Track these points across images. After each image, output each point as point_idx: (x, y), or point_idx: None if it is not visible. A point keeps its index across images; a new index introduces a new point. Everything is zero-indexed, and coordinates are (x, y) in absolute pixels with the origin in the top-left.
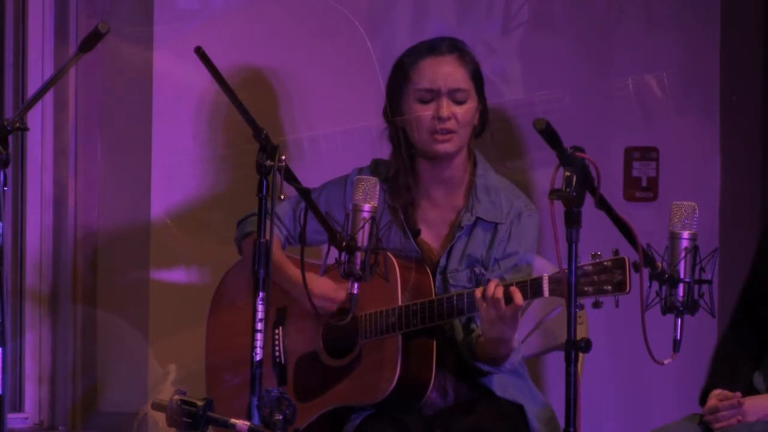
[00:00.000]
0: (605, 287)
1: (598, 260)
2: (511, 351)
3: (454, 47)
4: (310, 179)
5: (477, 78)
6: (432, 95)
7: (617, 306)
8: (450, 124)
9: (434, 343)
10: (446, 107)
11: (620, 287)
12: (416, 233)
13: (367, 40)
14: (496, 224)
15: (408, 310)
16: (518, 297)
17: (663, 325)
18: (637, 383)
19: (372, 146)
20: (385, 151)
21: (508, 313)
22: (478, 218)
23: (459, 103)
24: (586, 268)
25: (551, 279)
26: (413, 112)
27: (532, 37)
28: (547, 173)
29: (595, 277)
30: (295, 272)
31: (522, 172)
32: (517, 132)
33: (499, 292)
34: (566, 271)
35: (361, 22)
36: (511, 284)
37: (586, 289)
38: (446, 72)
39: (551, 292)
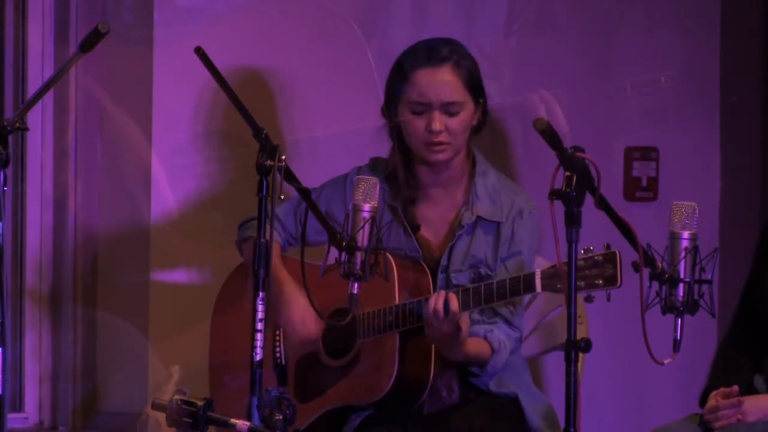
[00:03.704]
0: (597, 281)
1: (589, 255)
2: (476, 361)
3: (452, 53)
4: (309, 179)
5: (473, 83)
6: (424, 108)
7: (608, 300)
8: (442, 137)
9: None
10: (438, 121)
11: (611, 281)
12: (416, 229)
13: (365, 41)
14: (498, 224)
15: (405, 309)
16: (454, 304)
17: (663, 325)
18: (637, 383)
19: (370, 146)
20: (382, 151)
21: (445, 324)
22: (479, 217)
23: (452, 115)
24: (577, 262)
25: (544, 274)
26: (407, 122)
27: (532, 37)
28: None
29: (587, 271)
30: (289, 287)
31: (516, 172)
32: (511, 132)
33: (440, 303)
34: (559, 266)
35: (358, 23)
36: (449, 291)
37: (578, 283)
38: (440, 84)
39: (544, 288)
